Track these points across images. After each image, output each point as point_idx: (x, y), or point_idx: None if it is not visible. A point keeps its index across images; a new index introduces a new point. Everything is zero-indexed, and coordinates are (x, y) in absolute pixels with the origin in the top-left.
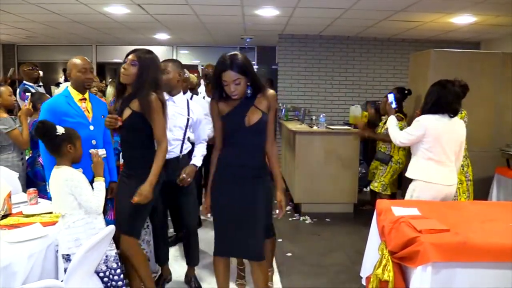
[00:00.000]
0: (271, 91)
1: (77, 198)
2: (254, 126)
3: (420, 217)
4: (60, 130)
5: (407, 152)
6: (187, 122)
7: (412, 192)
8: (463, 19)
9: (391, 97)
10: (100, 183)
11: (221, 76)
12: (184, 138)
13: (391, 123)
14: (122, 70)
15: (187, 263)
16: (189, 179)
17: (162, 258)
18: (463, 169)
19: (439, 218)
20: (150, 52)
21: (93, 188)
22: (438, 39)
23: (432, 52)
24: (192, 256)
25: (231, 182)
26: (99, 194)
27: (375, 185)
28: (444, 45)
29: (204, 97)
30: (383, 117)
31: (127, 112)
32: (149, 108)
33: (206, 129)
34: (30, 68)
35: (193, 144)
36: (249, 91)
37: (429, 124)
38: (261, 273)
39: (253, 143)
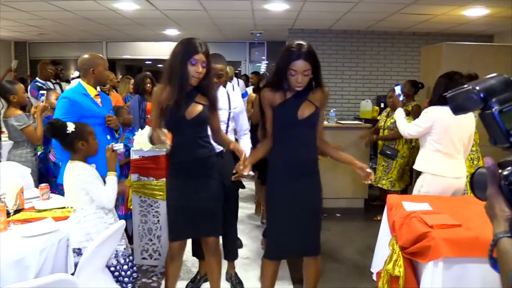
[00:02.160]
0: (326, 89)
1: (89, 193)
2: (306, 119)
3: (431, 212)
4: (71, 127)
5: (412, 146)
6: (229, 115)
7: (419, 187)
8: (476, 12)
9: (398, 89)
10: (111, 178)
11: (288, 65)
12: (227, 132)
13: (400, 116)
14: (195, 74)
15: (225, 258)
16: None
17: (201, 253)
18: (473, 162)
19: (450, 213)
20: (206, 44)
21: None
22: (450, 32)
23: (444, 46)
24: (230, 250)
25: (288, 178)
26: (109, 189)
27: (383, 183)
28: (456, 38)
29: (233, 89)
30: (383, 112)
31: (197, 107)
32: (216, 104)
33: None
34: (51, 70)
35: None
36: (313, 83)
37: (437, 116)
38: (317, 268)
39: (305, 137)
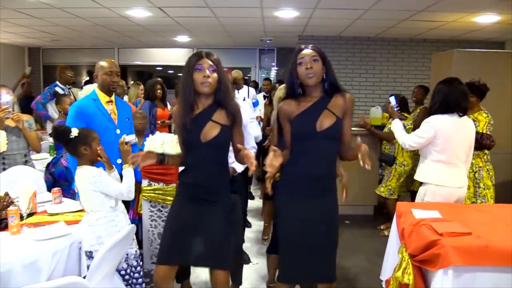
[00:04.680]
0: (349, 95)
1: (105, 191)
2: (325, 131)
3: (441, 220)
4: (74, 132)
5: (414, 154)
6: None
7: (423, 196)
8: (487, 18)
9: (392, 99)
10: (128, 170)
11: (296, 59)
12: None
13: (398, 127)
14: (203, 79)
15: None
16: None
17: (183, 274)
18: (489, 173)
19: (460, 221)
20: (213, 52)
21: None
22: (461, 39)
23: (454, 52)
24: (234, 274)
25: (302, 196)
26: (127, 179)
27: (381, 190)
28: (467, 45)
29: (244, 99)
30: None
31: (214, 129)
32: (238, 118)
33: (253, 133)
34: (70, 75)
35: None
36: (326, 85)
37: (439, 125)
38: None
39: (324, 150)
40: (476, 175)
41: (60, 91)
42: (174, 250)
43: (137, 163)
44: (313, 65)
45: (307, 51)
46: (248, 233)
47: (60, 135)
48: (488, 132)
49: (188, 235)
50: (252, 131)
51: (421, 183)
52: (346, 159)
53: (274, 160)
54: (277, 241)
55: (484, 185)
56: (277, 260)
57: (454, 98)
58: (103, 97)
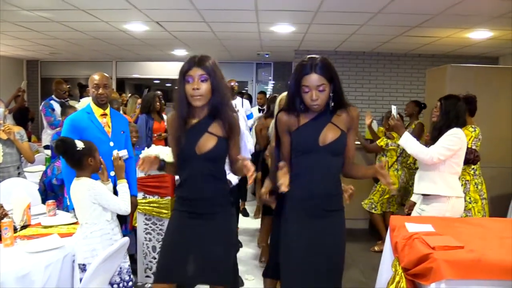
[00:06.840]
0: (353, 108)
1: (104, 205)
2: (329, 145)
3: (434, 234)
4: (80, 145)
5: (408, 170)
6: None
7: (444, 211)
8: (480, 34)
9: (394, 110)
10: (123, 185)
11: (301, 82)
12: None
13: (413, 142)
14: (192, 92)
15: None
16: None
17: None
18: (477, 187)
19: (453, 235)
20: (207, 56)
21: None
22: (455, 54)
23: (448, 68)
24: None
25: (305, 216)
26: (124, 195)
27: (365, 202)
28: (462, 60)
29: (238, 110)
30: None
31: (210, 140)
32: (236, 129)
33: (248, 143)
34: (62, 91)
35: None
36: (332, 104)
37: (464, 138)
38: None
39: (328, 166)
40: (462, 188)
41: (55, 105)
42: (171, 268)
43: (145, 170)
44: (319, 96)
45: (314, 78)
46: (240, 253)
47: (68, 148)
48: (473, 147)
49: (185, 252)
50: (247, 142)
51: (427, 199)
52: (351, 177)
53: (285, 178)
54: (273, 263)
55: (470, 198)
56: (274, 284)
57: (461, 113)
58: (97, 110)
